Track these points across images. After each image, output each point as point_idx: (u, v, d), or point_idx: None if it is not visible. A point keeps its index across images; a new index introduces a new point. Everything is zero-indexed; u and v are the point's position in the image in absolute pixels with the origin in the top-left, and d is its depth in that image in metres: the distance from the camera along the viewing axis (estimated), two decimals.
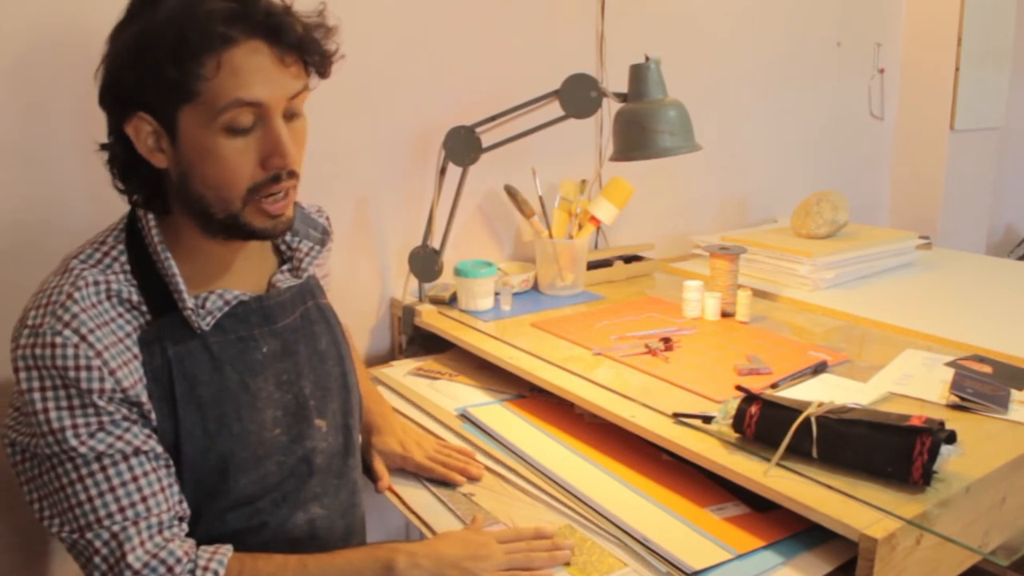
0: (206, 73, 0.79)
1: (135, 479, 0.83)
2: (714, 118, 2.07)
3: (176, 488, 0.87)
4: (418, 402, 1.33)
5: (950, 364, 1.24)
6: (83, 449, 0.81)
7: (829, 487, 0.91)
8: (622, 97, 1.42)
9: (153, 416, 0.86)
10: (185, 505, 0.88)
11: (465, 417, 1.28)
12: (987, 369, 1.22)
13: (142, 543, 0.82)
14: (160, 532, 0.83)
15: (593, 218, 1.70)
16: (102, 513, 0.82)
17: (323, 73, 0.90)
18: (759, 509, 0.99)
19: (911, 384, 1.18)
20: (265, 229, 0.89)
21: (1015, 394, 1.13)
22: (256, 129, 0.84)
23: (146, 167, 0.87)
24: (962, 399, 1.10)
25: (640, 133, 1.37)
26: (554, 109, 1.47)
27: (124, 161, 0.88)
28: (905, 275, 1.81)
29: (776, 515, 0.96)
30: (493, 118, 1.50)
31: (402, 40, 1.56)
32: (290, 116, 0.87)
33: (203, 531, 0.90)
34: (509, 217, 1.79)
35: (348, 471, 1.03)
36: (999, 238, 2.95)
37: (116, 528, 0.81)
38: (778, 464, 0.95)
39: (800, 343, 1.38)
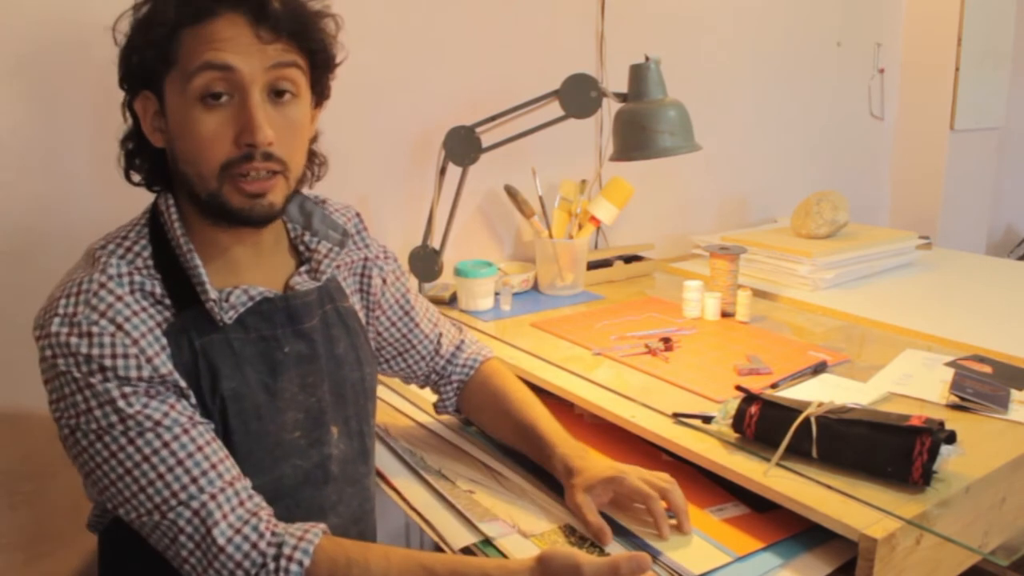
0: (183, 38, 0.82)
1: (199, 448, 0.81)
2: (714, 118, 2.06)
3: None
4: (418, 402, 1.33)
5: (950, 364, 1.24)
6: (140, 417, 0.79)
7: (829, 487, 0.91)
8: (622, 97, 1.42)
9: (193, 400, 0.85)
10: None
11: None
12: (987, 369, 1.22)
13: (224, 516, 0.80)
14: (241, 504, 0.81)
15: (593, 218, 1.70)
16: (176, 487, 0.79)
17: (316, 62, 0.90)
18: (759, 510, 0.99)
19: (911, 384, 1.18)
20: (242, 209, 0.86)
21: (1015, 394, 1.13)
22: (232, 103, 0.84)
23: (151, 149, 0.90)
24: (962, 399, 1.10)
25: (640, 133, 1.37)
26: (554, 109, 1.47)
27: (135, 144, 0.91)
28: (905, 275, 1.81)
29: (776, 515, 0.96)
30: (493, 118, 1.50)
31: (402, 40, 1.56)
32: (277, 93, 0.86)
33: None
34: (509, 217, 1.79)
35: (361, 478, 1.02)
36: (999, 238, 2.95)
37: (196, 504, 0.79)
38: (778, 464, 0.95)
39: (800, 343, 1.38)
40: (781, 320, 1.52)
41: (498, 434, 1.16)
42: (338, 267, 1.05)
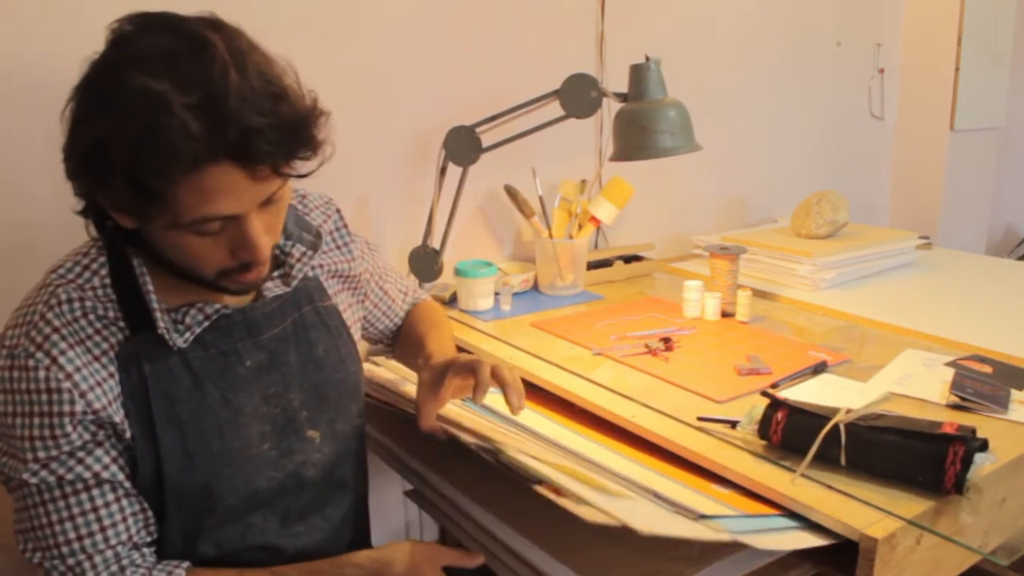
0: (170, 194, 0.74)
1: (95, 509, 0.83)
2: (714, 118, 2.06)
3: (139, 516, 0.86)
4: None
5: (950, 364, 1.24)
6: (44, 474, 0.81)
7: (829, 487, 0.91)
8: (622, 97, 1.42)
9: (129, 434, 0.84)
10: (149, 531, 0.87)
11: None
12: (987, 369, 1.22)
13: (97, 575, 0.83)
14: (117, 561, 0.84)
15: (593, 218, 1.70)
16: (60, 540, 0.83)
17: (300, 173, 0.84)
18: None
19: (911, 384, 1.18)
20: (239, 292, 0.91)
21: (1015, 394, 1.13)
22: (226, 228, 0.80)
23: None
24: (962, 399, 1.10)
25: (640, 133, 1.37)
26: (554, 109, 1.47)
27: (96, 217, 0.86)
28: (905, 275, 1.80)
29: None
30: (493, 118, 1.50)
31: (402, 40, 1.56)
32: (267, 203, 0.82)
33: (198, 552, 0.89)
34: (509, 217, 1.79)
35: (349, 479, 1.01)
36: (999, 238, 2.95)
37: (71, 561, 0.83)
38: (789, 467, 0.95)
39: (800, 343, 1.38)
40: (781, 320, 1.52)
41: (406, 361, 1.24)
42: (321, 266, 1.04)
